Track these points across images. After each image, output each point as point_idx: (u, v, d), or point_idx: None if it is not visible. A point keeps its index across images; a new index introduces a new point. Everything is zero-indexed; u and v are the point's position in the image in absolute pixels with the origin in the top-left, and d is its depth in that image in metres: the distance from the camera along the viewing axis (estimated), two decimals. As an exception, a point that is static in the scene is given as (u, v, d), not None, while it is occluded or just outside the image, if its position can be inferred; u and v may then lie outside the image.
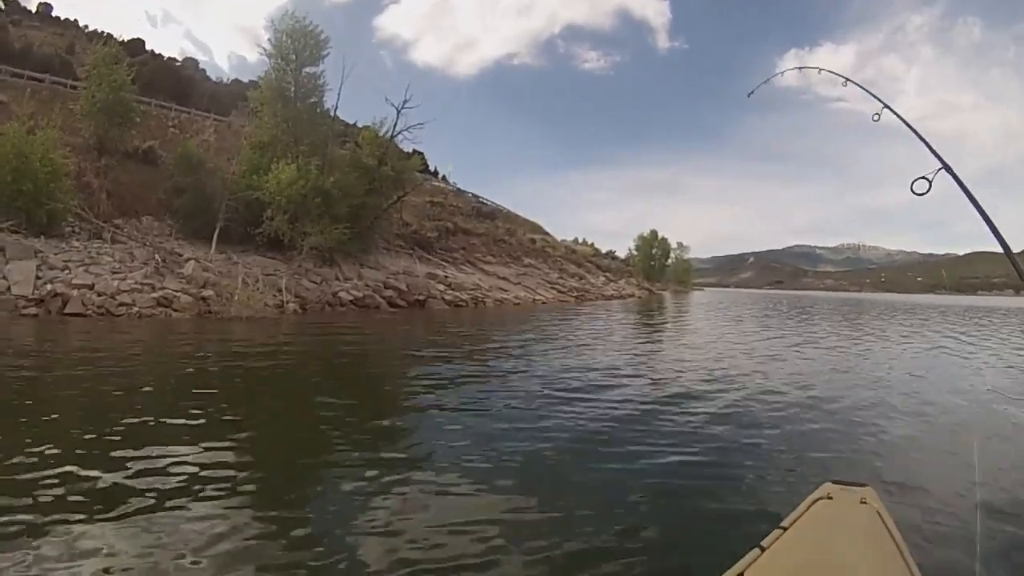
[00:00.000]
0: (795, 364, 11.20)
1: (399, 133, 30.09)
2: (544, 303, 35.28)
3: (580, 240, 74.71)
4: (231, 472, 4.25)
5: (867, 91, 3.07)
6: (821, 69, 3.85)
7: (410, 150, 34.34)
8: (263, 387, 7.80)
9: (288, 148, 24.74)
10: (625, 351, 12.79)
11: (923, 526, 3.56)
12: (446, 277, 30.64)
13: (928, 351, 14.79)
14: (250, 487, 4.09)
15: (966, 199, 2.35)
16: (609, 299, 45.79)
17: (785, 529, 2.15)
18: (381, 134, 29.88)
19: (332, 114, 28.99)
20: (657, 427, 6.02)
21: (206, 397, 6.50)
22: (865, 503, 2.40)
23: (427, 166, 49.13)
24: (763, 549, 1.98)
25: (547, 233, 59.62)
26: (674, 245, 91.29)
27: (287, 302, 18.79)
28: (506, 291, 34.02)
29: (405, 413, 6.73)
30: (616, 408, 6.78)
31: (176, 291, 15.92)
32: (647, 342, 15.58)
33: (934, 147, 2.46)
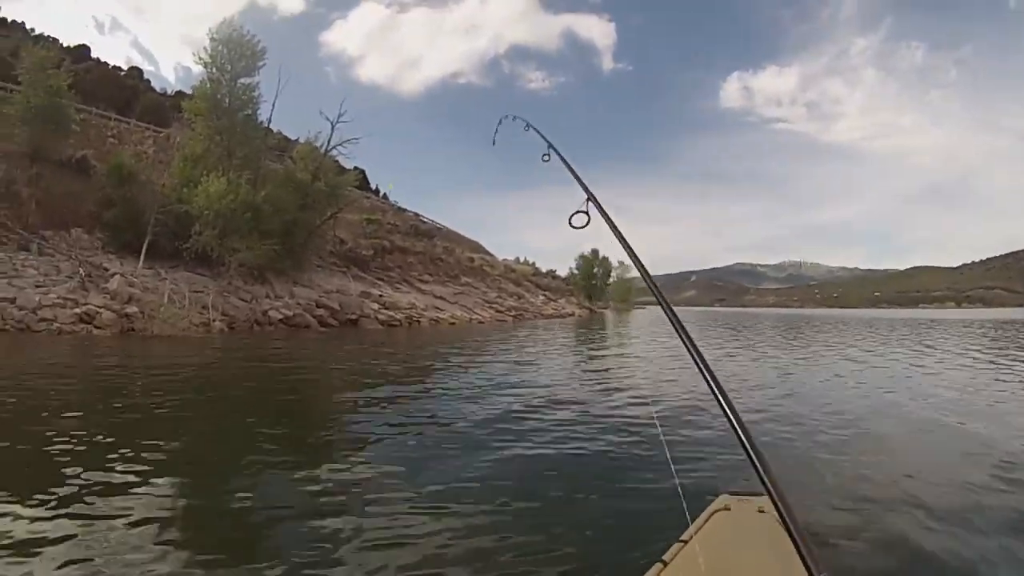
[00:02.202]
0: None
1: (334, 148, 30.73)
2: (481, 322, 35.65)
3: (521, 259, 75.78)
4: (161, 502, 4.14)
5: (543, 137, 3.26)
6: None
7: (351, 167, 34.75)
8: (181, 416, 7.24)
9: (221, 160, 24.72)
10: (552, 373, 12.82)
11: (821, 530, 3.74)
12: (381, 296, 30.97)
13: (842, 362, 15.33)
14: (181, 518, 3.95)
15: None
16: (548, 318, 46.52)
17: (685, 543, 2.17)
18: (317, 147, 30.42)
19: (266, 126, 29.09)
20: (565, 444, 6.26)
21: (106, 427, 6.15)
22: (763, 512, 2.39)
23: (367, 183, 49.51)
24: (665, 563, 2.02)
25: (487, 252, 60.61)
26: (615, 264, 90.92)
27: (213, 320, 18.85)
28: (442, 310, 34.40)
29: (333, 438, 6.72)
30: (531, 428, 6.98)
31: (99, 307, 15.89)
32: (575, 362, 15.82)
33: (586, 183, 2.56)
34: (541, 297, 56.32)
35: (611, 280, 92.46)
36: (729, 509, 2.46)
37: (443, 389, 10.19)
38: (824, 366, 14.52)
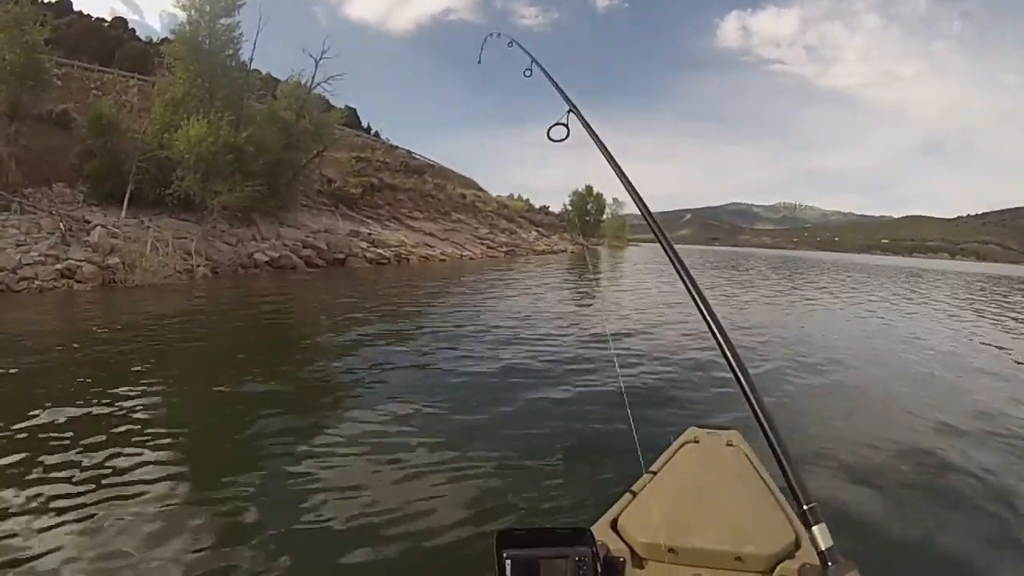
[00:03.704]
0: (687, 317, 11.36)
1: (318, 85, 30.75)
2: (472, 259, 36.07)
3: (515, 196, 75.53)
4: (159, 455, 4.30)
5: (525, 51, 3.32)
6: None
7: (342, 106, 34.56)
8: (166, 366, 7.29)
9: (202, 103, 24.54)
10: (530, 307, 13.69)
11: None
12: (369, 234, 31.20)
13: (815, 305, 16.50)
14: (184, 470, 4.13)
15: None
16: (541, 254, 47.11)
17: (655, 473, 2.20)
18: (302, 84, 30.37)
19: (248, 67, 28.93)
20: (535, 380, 6.62)
21: (96, 381, 6.30)
22: (731, 445, 2.46)
23: (359, 121, 49.04)
24: (635, 494, 2.04)
25: (480, 188, 60.35)
26: (610, 201, 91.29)
27: (197, 266, 19.05)
28: (432, 247, 34.79)
29: (324, 384, 6.91)
30: (503, 364, 7.47)
31: (80, 261, 15.86)
32: (555, 298, 16.27)
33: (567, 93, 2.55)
34: (534, 233, 56.50)
35: (605, 217, 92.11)
36: (698, 442, 2.50)
37: (423, 327, 10.64)
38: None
